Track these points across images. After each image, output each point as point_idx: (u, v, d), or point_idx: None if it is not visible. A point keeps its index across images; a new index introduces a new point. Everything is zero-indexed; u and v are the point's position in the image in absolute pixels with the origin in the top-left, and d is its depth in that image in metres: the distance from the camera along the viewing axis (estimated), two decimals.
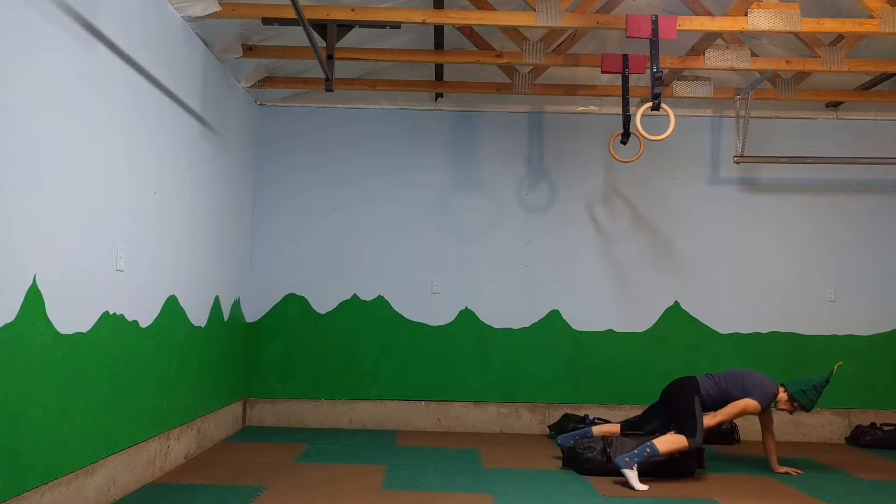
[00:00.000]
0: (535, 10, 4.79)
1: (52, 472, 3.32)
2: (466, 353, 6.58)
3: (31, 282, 3.12)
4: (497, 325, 6.61)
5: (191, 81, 4.92)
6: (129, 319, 4.08)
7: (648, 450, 4.60)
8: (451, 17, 4.87)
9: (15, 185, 3.00)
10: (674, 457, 4.76)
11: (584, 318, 6.62)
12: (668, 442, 4.67)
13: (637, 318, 6.64)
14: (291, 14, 4.60)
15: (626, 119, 5.59)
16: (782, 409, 5.04)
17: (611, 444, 4.85)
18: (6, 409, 2.98)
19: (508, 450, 5.68)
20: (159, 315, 4.49)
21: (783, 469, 5.05)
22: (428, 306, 6.61)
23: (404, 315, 6.60)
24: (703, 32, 5.44)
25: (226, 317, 5.86)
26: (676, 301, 6.65)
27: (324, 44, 4.83)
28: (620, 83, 5.91)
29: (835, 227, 6.74)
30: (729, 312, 6.64)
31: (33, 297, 3.14)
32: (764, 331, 6.63)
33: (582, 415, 6.34)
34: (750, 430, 6.36)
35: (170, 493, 4.12)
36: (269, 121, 6.72)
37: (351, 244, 6.64)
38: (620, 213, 6.72)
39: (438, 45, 5.66)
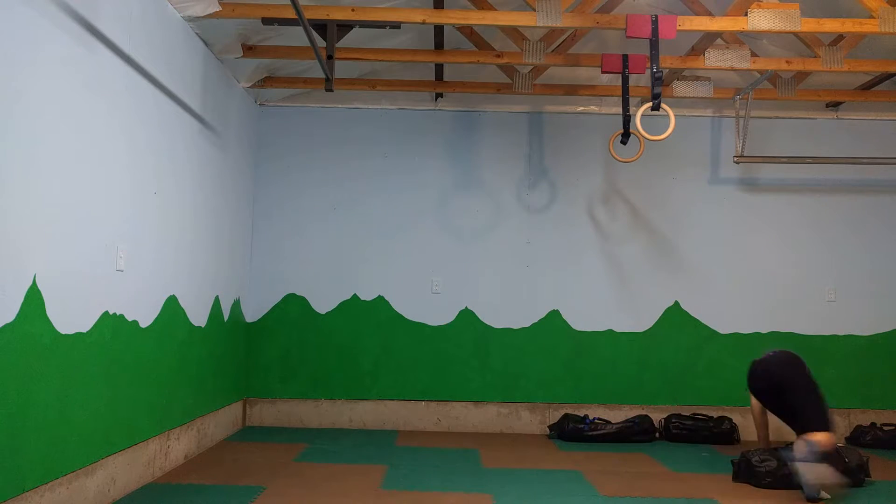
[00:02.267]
0: (535, 10, 4.79)
1: (52, 472, 3.32)
2: (466, 353, 6.58)
3: (31, 282, 3.12)
4: (497, 325, 6.61)
5: (191, 81, 4.92)
6: (129, 319, 4.09)
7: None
8: (451, 17, 4.87)
9: (15, 186, 3.00)
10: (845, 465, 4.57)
11: (584, 318, 6.62)
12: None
13: (637, 318, 6.64)
14: (291, 14, 4.60)
15: (626, 119, 5.59)
16: None
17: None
18: (6, 409, 2.98)
19: (508, 450, 5.68)
20: (159, 315, 4.49)
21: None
22: (428, 306, 6.61)
23: (404, 315, 6.60)
24: (703, 32, 5.44)
25: (226, 317, 5.86)
26: (676, 301, 6.65)
27: (324, 44, 4.83)
28: (620, 83, 5.92)
29: (835, 227, 6.74)
30: (729, 312, 6.64)
31: (33, 297, 3.14)
32: (764, 331, 6.63)
33: (582, 415, 6.35)
34: (748, 429, 6.34)
35: (170, 493, 4.13)
36: (269, 121, 6.72)
37: (351, 244, 6.65)
38: (620, 213, 6.72)
39: (438, 45, 5.66)
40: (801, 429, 4.53)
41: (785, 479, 4.54)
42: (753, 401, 5.12)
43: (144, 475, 4.32)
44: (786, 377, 4.69)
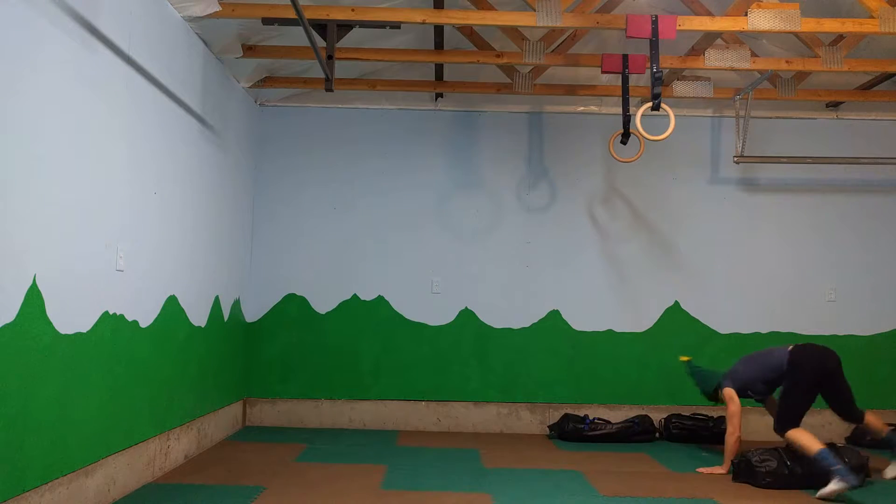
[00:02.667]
0: (535, 10, 4.79)
1: (52, 472, 3.32)
2: (466, 353, 6.58)
3: (31, 282, 3.12)
4: (497, 325, 6.61)
5: (191, 81, 4.92)
6: (129, 319, 4.09)
7: None
8: (451, 17, 4.87)
9: (15, 186, 3.00)
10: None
11: (584, 318, 6.62)
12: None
13: (637, 318, 6.64)
14: (291, 14, 4.60)
15: (626, 119, 5.59)
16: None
17: (790, 456, 4.60)
18: (6, 409, 2.98)
19: (508, 450, 5.68)
20: (159, 315, 4.49)
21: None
22: (428, 306, 6.61)
23: (404, 315, 6.60)
24: (703, 32, 5.44)
25: (226, 317, 5.86)
26: (676, 301, 6.65)
27: (324, 44, 4.83)
28: (620, 83, 5.92)
29: (835, 227, 6.74)
30: (729, 312, 6.64)
31: (33, 297, 3.14)
32: (764, 331, 6.63)
33: (582, 415, 6.34)
34: (748, 429, 6.34)
35: (170, 493, 4.12)
36: (269, 121, 6.72)
37: (351, 244, 6.65)
38: (620, 213, 6.72)
39: (438, 45, 5.66)
40: (860, 417, 4.87)
41: (785, 478, 4.54)
42: (738, 400, 5.06)
43: (144, 475, 4.32)
44: (839, 368, 4.80)
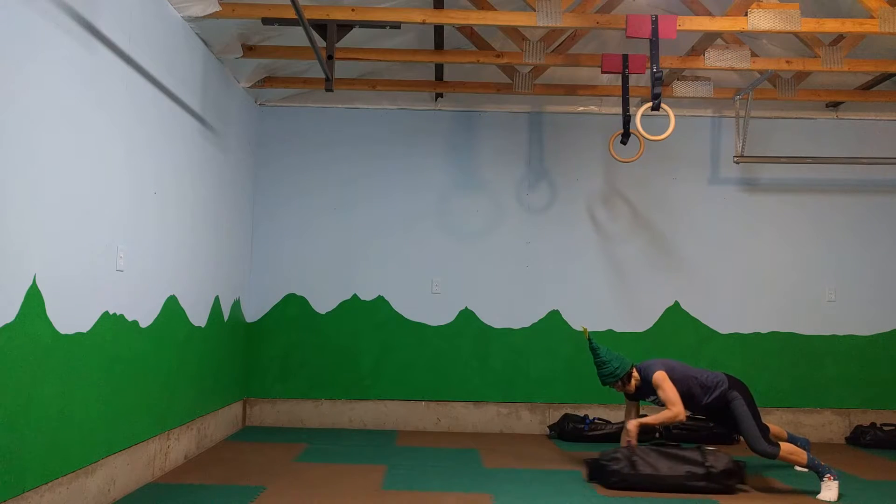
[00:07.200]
0: (535, 10, 4.79)
1: (52, 472, 3.32)
2: (466, 353, 6.58)
3: (31, 282, 3.12)
4: (497, 325, 6.61)
5: (191, 81, 4.92)
6: (129, 319, 4.09)
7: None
8: (451, 17, 4.87)
9: (15, 185, 3.00)
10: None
11: (585, 318, 6.61)
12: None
13: (637, 318, 6.63)
14: (291, 14, 4.60)
15: (626, 119, 5.59)
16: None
17: (636, 454, 4.59)
18: (6, 409, 2.98)
19: (508, 450, 5.68)
20: (159, 315, 4.49)
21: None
22: (428, 306, 6.61)
23: (404, 315, 6.60)
24: (703, 32, 5.44)
25: (226, 317, 5.86)
26: (676, 301, 6.65)
27: (324, 44, 4.83)
28: (620, 83, 5.92)
29: (835, 227, 6.74)
30: (729, 312, 6.64)
31: (33, 297, 3.14)
32: (764, 331, 6.63)
33: (582, 415, 6.34)
34: None
35: (170, 493, 4.13)
36: (269, 121, 6.72)
37: (351, 244, 6.65)
38: (620, 213, 6.72)
39: (438, 45, 5.66)
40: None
41: (629, 476, 4.48)
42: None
43: (144, 475, 4.32)
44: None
